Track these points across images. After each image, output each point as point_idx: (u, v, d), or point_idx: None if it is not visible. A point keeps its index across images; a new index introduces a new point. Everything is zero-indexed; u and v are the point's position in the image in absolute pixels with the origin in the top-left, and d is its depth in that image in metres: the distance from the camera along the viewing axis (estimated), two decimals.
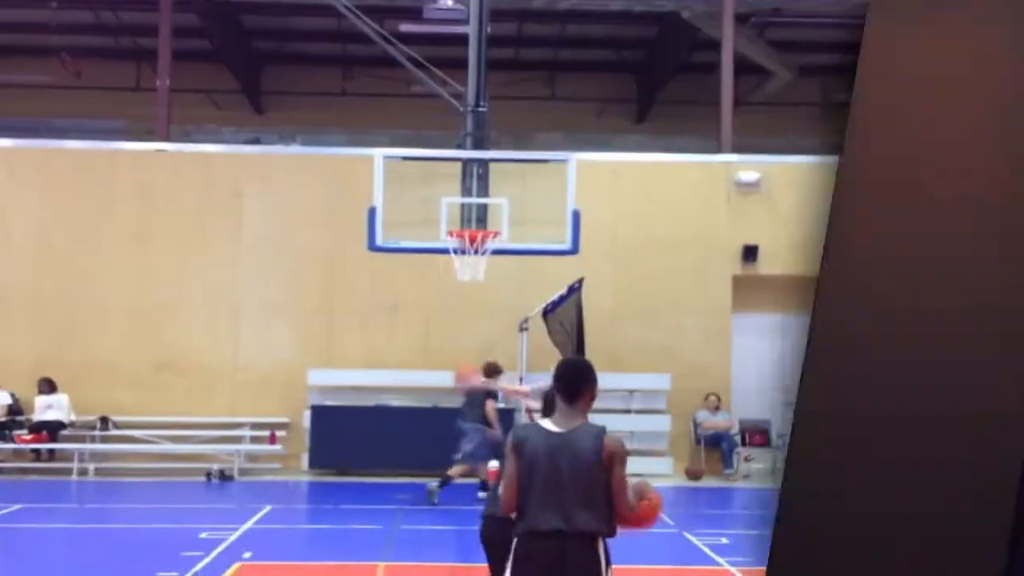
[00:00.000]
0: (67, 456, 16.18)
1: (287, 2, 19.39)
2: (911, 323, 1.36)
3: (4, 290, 16.94)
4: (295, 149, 18.91)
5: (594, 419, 4.82)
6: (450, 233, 12.87)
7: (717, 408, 16.96)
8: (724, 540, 11.01)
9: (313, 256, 17.17)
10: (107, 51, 22.04)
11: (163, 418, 16.68)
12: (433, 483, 13.18)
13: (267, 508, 12.98)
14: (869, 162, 1.43)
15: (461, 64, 14.02)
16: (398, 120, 21.32)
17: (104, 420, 16.56)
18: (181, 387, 16.83)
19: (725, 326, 17.35)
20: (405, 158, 13.69)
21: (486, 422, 13.10)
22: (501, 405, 14.06)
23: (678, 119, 21.79)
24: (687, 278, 17.25)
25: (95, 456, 16.19)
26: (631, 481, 4.76)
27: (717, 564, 9.85)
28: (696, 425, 16.88)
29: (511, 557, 4.67)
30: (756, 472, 17.01)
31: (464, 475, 13.27)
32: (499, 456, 6.61)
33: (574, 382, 4.76)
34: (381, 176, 12.74)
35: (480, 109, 13.68)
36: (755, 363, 17.77)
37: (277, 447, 16.48)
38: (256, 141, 20.43)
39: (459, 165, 13.50)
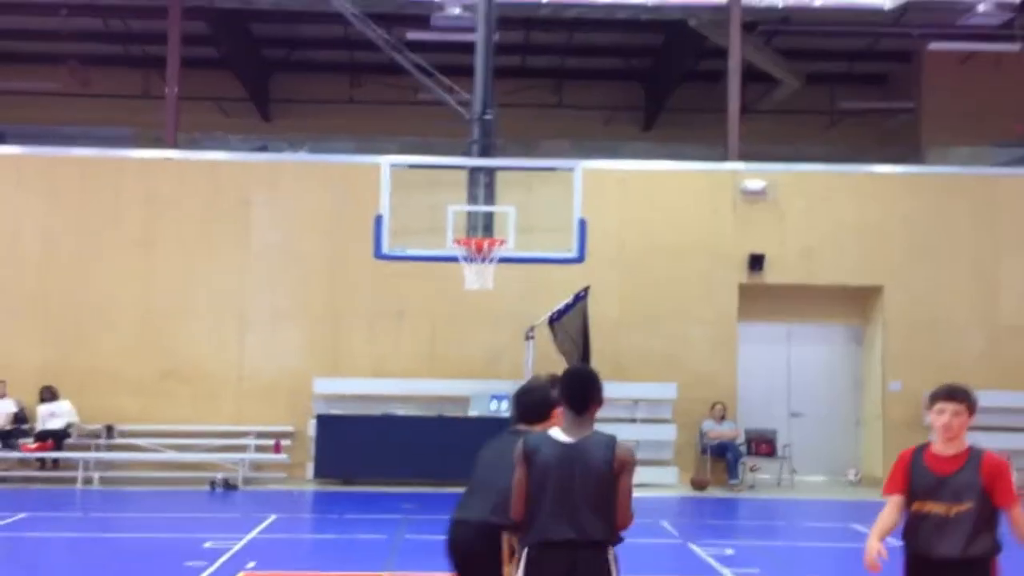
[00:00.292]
0: (72, 465, 16.16)
1: (295, 10, 19.42)
2: None
3: (11, 297, 16.95)
4: (302, 156, 18.91)
5: (599, 429, 4.80)
6: (456, 241, 12.82)
7: (723, 417, 16.89)
8: (729, 551, 10.93)
9: (319, 263, 17.17)
10: (115, 59, 22.12)
11: (168, 426, 16.68)
12: None
13: (272, 517, 12.95)
14: None
15: (468, 72, 14.01)
16: (405, 127, 21.33)
17: (109, 428, 16.56)
18: (186, 395, 16.83)
19: (731, 335, 17.29)
20: (412, 166, 13.63)
21: None
22: None
23: (685, 127, 21.78)
24: (693, 287, 17.21)
25: (100, 465, 16.18)
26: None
27: (721, 575, 9.79)
28: (702, 435, 16.81)
29: (522, 567, 4.62)
30: (761, 482, 16.95)
31: None
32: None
33: (583, 393, 4.76)
34: (388, 184, 12.71)
35: (487, 117, 13.64)
36: (761, 372, 17.73)
37: (282, 456, 16.47)
38: (264, 148, 20.43)
39: (465, 173, 13.45)
